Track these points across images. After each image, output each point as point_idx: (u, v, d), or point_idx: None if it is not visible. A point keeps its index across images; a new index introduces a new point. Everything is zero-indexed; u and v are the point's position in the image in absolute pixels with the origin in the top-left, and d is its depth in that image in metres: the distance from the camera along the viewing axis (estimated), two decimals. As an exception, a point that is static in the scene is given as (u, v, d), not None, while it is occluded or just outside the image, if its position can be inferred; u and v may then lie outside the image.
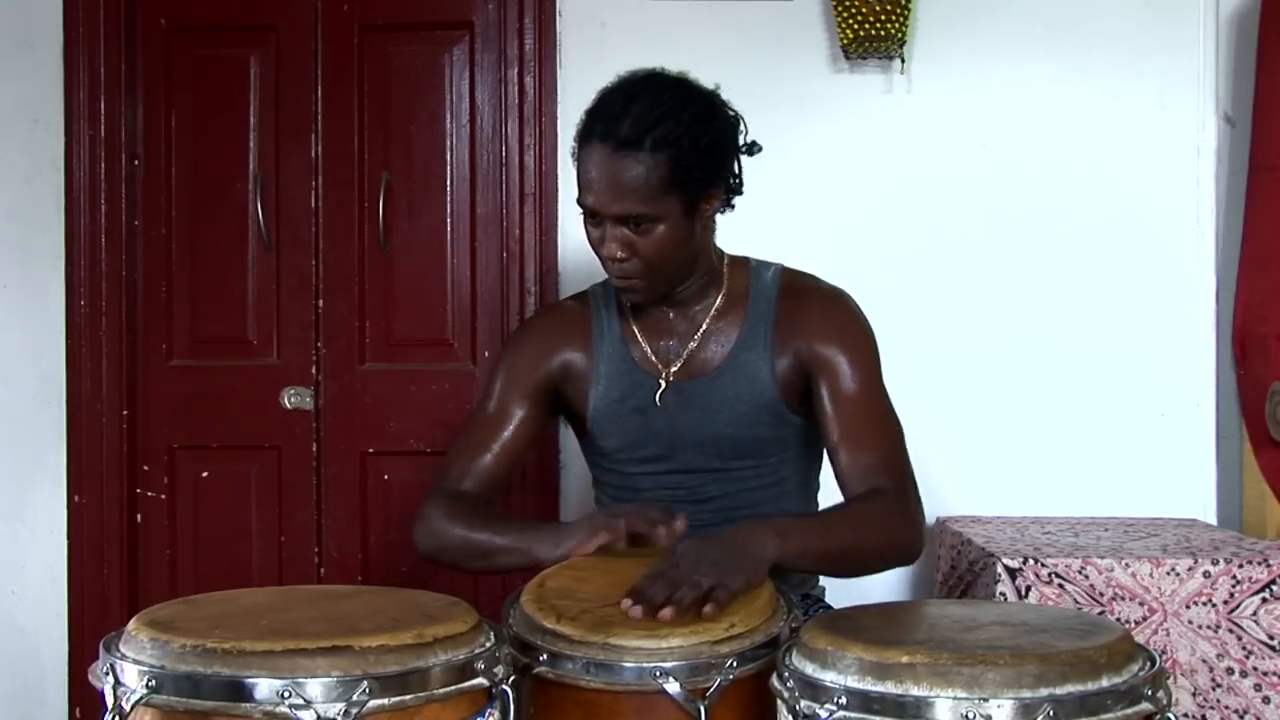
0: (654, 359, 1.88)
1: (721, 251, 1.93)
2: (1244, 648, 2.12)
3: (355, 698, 1.13)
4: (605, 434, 1.89)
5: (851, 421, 1.79)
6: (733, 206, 1.91)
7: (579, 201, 1.78)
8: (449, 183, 2.85)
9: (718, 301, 1.88)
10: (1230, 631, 2.12)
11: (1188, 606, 2.12)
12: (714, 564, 1.45)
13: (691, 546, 1.52)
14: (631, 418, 1.87)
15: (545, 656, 1.29)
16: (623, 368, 1.88)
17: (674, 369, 1.87)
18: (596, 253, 1.81)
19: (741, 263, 1.93)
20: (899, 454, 1.80)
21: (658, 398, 1.86)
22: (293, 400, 2.86)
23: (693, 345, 1.87)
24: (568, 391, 1.92)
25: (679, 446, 1.86)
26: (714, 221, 1.88)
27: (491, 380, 1.93)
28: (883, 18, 2.54)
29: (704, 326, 1.88)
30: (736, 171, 1.87)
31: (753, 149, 1.87)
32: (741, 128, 1.85)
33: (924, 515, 1.80)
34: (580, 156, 1.77)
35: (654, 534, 1.60)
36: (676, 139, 1.71)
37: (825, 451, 1.85)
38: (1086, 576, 2.13)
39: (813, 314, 1.85)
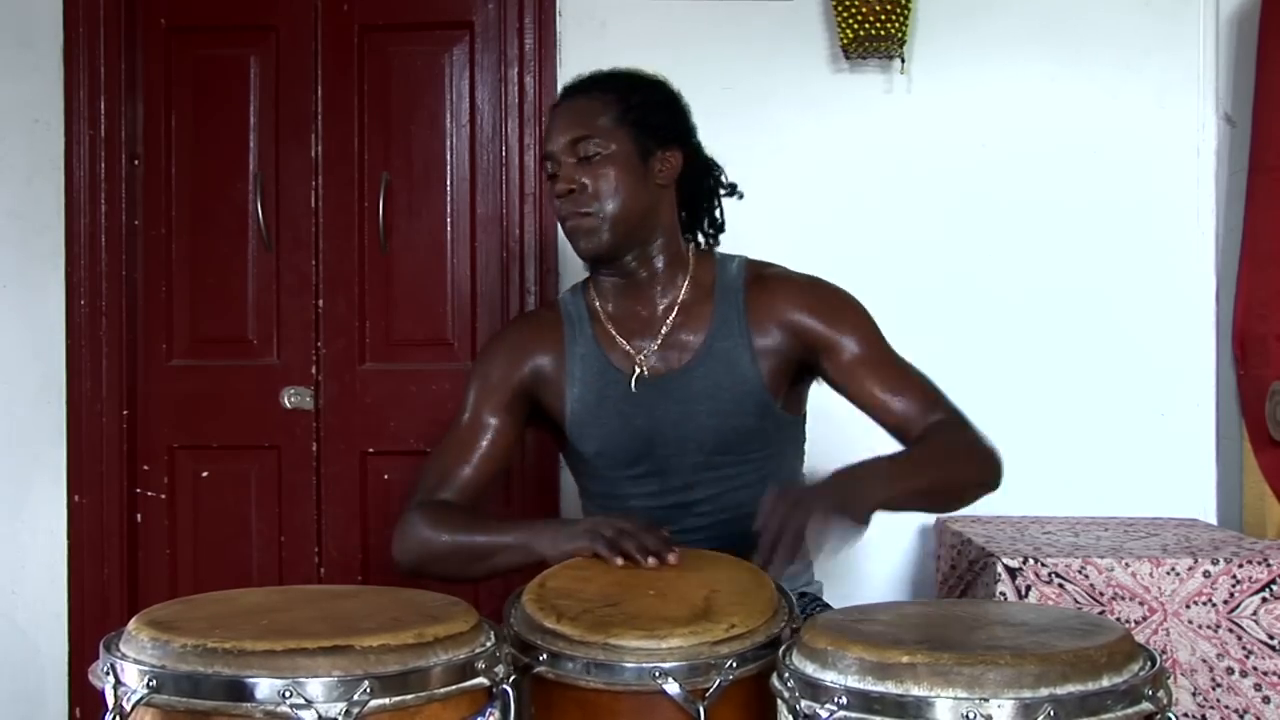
0: (629, 355, 1.87)
1: (688, 243, 1.93)
2: (1244, 647, 2.12)
3: (356, 697, 1.13)
4: (584, 438, 1.87)
5: (877, 382, 1.81)
6: (717, 241, 1.98)
7: (543, 159, 1.88)
8: (449, 183, 2.85)
9: (684, 291, 1.88)
10: (1230, 631, 2.12)
11: (1188, 606, 2.12)
12: (832, 497, 1.53)
13: (808, 487, 1.58)
14: (610, 419, 1.85)
15: (545, 656, 1.29)
16: (597, 367, 1.87)
17: (647, 362, 1.86)
18: (557, 212, 1.85)
19: (707, 254, 1.94)
20: (935, 390, 1.82)
21: (633, 384, 1.85)
22: (293, 400, 2.86)
23: (664, 332, 1.86)
24: (543, 398, 1.90)
25: (659, 443, 1.84)
26: (673, 195, 1.89)
27: (465, 392, 1.91)
28: (883, 18, 2.55)
29: (673, 316, 1.87)
30: (717, 202, 1.97)
31: (734, 191, 1.98)
32: (719, 170, 1.97)
33: (987, 438, 1.79)
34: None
35: (643, 563, 1.52)
36: (627, 88, 1.85)
37: (870, 416, 1.83)
38: (1086, 576, 2.13)
39: (792, 302, 1.85)
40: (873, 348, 1.83)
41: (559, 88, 2.57)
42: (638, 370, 1.86)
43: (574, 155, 1.80)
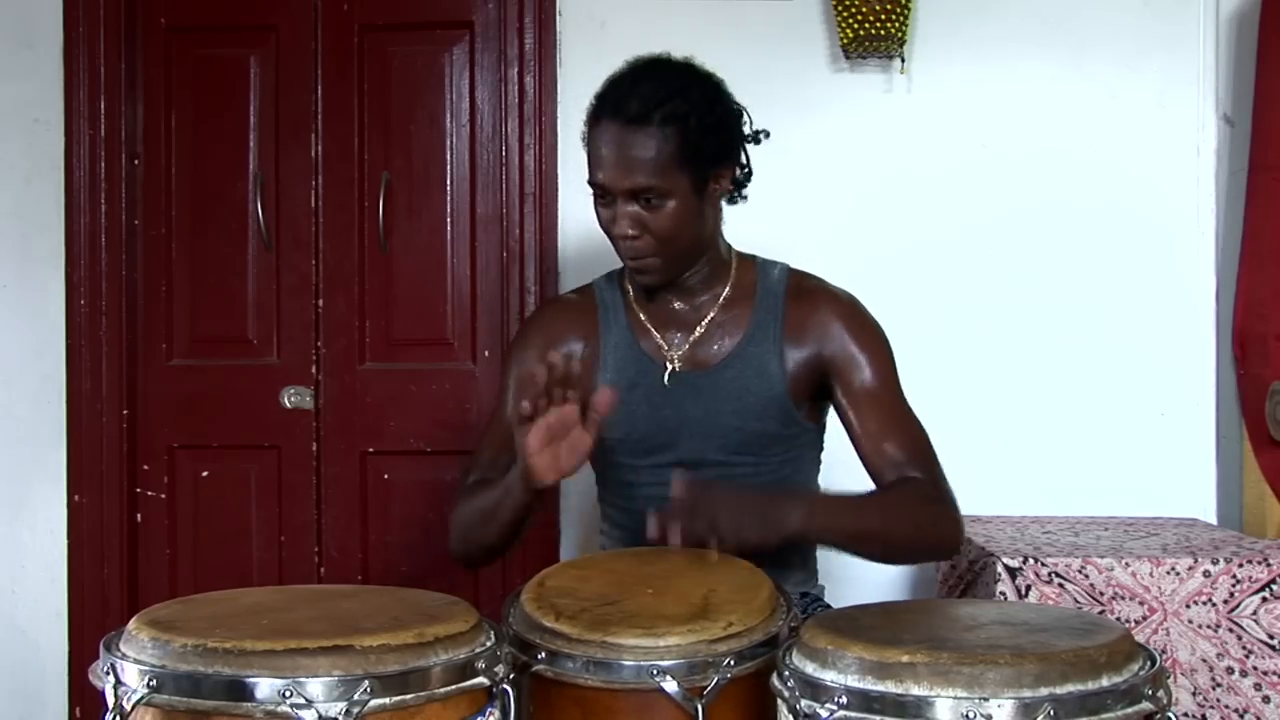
0: (662, 348, 1.89)
1: (729, 245, 1.94)
2: (1244, 647, 2.12)
3: (356, 697, 1.13)
4: (611, 424, 1.88)
5: (876, 416, 1.81)
6: (745, 197, 1.92)
7: (590, 181, 1.79)
8: (449, 183, 2.85)
9: (725, 293, 1.89)
10: (1230, 631, 2.12)
11: (1188, 606, 2.12)
12: (738, 513, 1.55)
13: (726, 490, 1.62)
14: (638, 406, 1.86)
15: (544, 655, 1.29)
16: (630, 355, 1.89)
17: (681, 357, 1.88)
18: (608, 233, 1.81)
19: (748, 259, 1.94)
20: (927, 448, 1.81)
21: (665, 379, 1.86)
22: (293, 400, 2.86)
23: (699, 333, 1.88)
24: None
25: (683, 436, 1.86)
26: (721, 206, 1.89)
27: (504, 380, 1.94)
28: (883, 17, 2.55)
29: (710, 316, 1.88)
30: (745, 157, 1.89)
31: (758, 138, 1.89)
32: (745, 117, 1.88)
33: (959, 511, 1.76)
34: (590, 136, 1.80)
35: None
36: (685, 115, 1.74)
37: (856, 448, 1.84)
38: (1086, 576, 2.13)
39: (828, 315, 1.86)
40: (885, 384, 1.84)
41: (557, 87, 2.55)
42: (670, 365, 1.87)
43: (633, 202, 1.76)
